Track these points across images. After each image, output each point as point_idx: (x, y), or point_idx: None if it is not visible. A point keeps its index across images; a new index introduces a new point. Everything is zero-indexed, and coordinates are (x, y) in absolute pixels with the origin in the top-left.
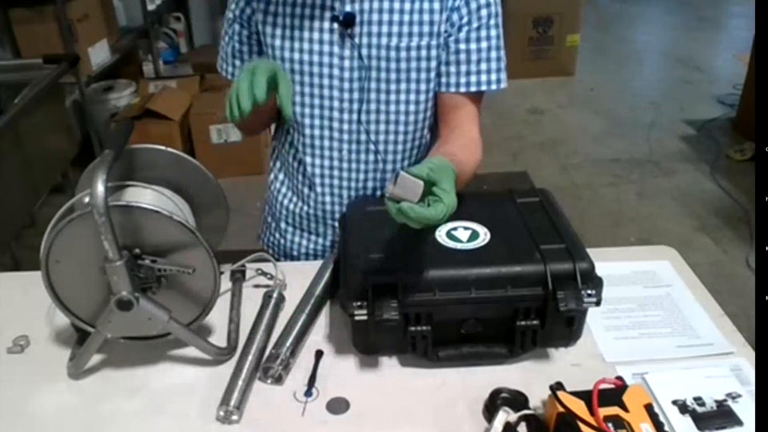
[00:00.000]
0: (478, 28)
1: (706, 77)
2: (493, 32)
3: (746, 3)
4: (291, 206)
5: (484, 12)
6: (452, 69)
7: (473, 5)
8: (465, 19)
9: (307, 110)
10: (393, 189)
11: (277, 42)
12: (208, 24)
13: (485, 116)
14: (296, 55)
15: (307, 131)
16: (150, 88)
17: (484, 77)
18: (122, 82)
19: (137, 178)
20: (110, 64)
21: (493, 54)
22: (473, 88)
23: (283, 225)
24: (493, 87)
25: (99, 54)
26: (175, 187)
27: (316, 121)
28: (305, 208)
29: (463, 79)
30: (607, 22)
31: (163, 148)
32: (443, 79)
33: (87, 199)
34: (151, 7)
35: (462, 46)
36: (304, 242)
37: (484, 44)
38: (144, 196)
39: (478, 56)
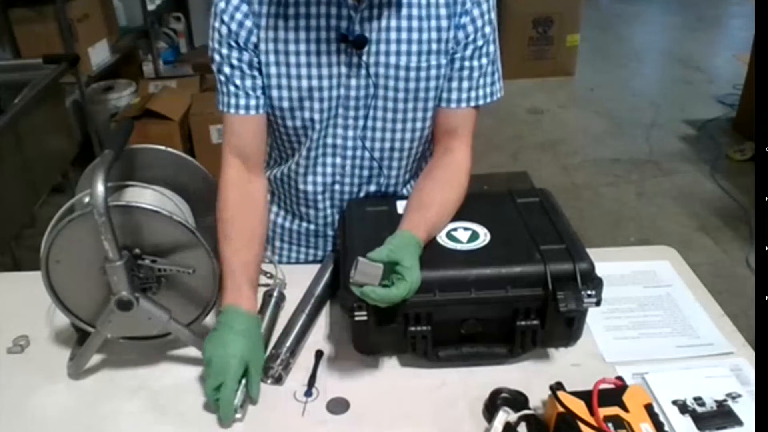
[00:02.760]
0: (482, 46)
1: (706, 77)
2: (492, 47)
3: (746, 3)
4: (287, 224)
5: (488, 29)
6: (454, 85)
7: (479, 23)
8: (471, 37)
9: (309, 132)
10: (354, 275)
11: (282, 69)
12: (208, 24)
13: (485, 117)
14: (304, 82)
15: (312, 153)
16: (150, 88)
17: (481, 92)
18: (122, 82)
19: (137, 178)
20: (110, 64)
21: (490, 68)
22: (473, 104)
23: (277, 243)
24: (489, 100)
25: (99, 54)
26: (175, 187)
27: (320, 141)
28: (304, 224)
29: (464, 95)
30: (607, 22)
31: (163, 148)
32: (444, 95)
33: (87, 199)
34: (151, 7)
35: (466, 63)
36: (302, 256)
37: (484, 60)
38: (144, 196)
39: (480, 72)
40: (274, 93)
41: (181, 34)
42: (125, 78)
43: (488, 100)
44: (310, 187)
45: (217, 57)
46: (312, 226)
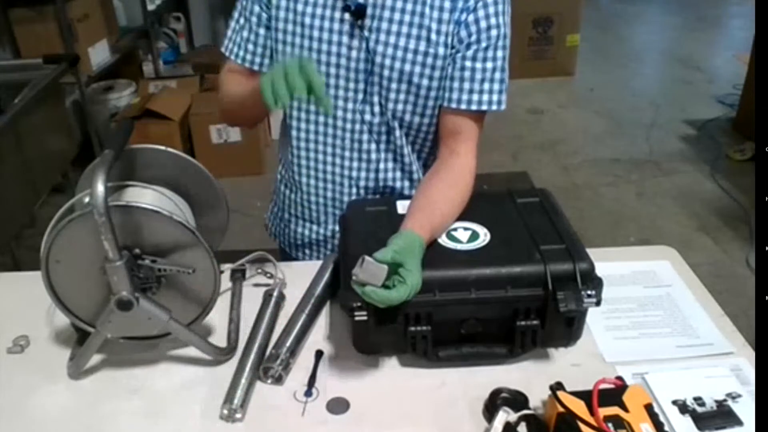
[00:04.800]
0: (486, 48)
1: (706, 77)
2: (499, 53)
3: (746, 3)
4: (292, 195)
5: (493, 33)
6: (455, 85)
7: (482, 24)
8: (473, 38)
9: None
10: (358, 273)
11: (289, 26)
12: (208, 24)
13: (485, 116)
14: (305, 42)
15: (312, 116)
16: (150, 88)
17: (485, 97)
18: (122, 82)
19: (137, 178)
20: (110, 64)
21: (497, 75)
22: (474, 107)
23: (286, 215)
24: (494, 108)
25: (99, 54)
26: (175, 187)
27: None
28: (304, 196)
29: (465, 97)
30: (607, 22)
31: (163, 148)
32: (446, 94)
33: (87, 199)
34: (151, 7)
35: (468, 64)
36: (306, 232)
37: (489, 65)
38: (144, 196)
39: (483, 76)
40: (279, 47)
41: (181, 34)
42: (125, 78)
43: (493, 107)
44: (312, 154)
45: (239, 6)
46: (312, 198)
